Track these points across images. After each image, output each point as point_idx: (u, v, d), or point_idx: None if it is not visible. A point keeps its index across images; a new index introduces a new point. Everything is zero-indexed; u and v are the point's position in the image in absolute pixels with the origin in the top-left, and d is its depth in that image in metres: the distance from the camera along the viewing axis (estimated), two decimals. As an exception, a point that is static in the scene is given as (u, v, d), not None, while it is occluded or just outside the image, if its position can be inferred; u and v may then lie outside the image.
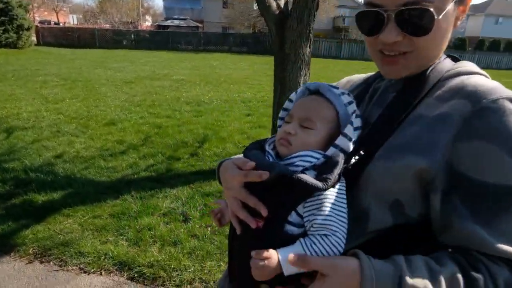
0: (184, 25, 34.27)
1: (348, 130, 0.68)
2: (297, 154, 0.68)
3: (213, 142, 4.95)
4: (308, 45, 3.84)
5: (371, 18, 0.64)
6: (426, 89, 0.65)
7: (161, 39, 29.03)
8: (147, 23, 50.35)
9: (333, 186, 0.62)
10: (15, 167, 3.89)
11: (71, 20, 40.02)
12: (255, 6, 31.69)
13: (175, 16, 35.81)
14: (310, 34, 3.73)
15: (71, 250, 2.51)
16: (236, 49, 29.01)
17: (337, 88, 0.75)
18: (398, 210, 0.63)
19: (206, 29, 35.42)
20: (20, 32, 20.20)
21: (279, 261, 0.61)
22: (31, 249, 2.53)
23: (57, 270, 2.35)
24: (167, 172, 3.91)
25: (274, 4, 3.71)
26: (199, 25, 35.50)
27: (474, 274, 0.54)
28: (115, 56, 20.09)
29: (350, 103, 0.72)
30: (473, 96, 0.60)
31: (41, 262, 2.43)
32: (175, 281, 2.26)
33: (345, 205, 0.64)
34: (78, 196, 3.26)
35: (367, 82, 0.81)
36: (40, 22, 35.92)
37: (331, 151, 0.67)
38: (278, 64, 3.84)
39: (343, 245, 0.62)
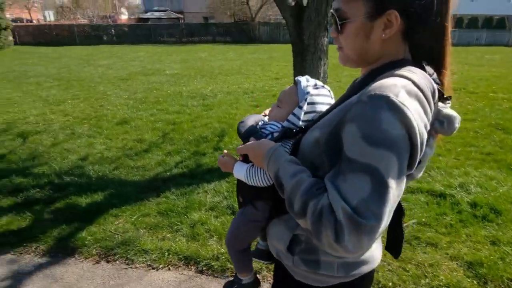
0: (165, 17, 33.57)
1: (297, 111, 1.01)
2: (269, 122, 1.07)
3: (232, 135, 5.05)
4: (326, 35, 3.95)
5: None
6: (367, 85, 0.80)
7: (143, 32, 28.42)
8: (123, 16, 48.92)
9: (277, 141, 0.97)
10: (46, 172, 3.90)
11: (47, 17, 38.53)
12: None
13: (155, 8, 34.96)
14: (327, 24, 3.84)
15: (134, 248, 2.60)
16: (220, 39, 28.67)
17: (308, 80, 1.05)
18: (314, 170, 0.85)
19: (187, 19, 34.83)
20: (-2, 32, 19.41)
21: (233, 165, 1.08)
22: (94, 250, 2.60)
23: (126, 268, 2.45)
24: (197, 168, 4.00)
25: (291, -4, 3.78)
26: (180, 16, 34.85)
27: (315, 191, 0.77)
28: (100, 52, 19.63)
29: (307, 93, 1.02)
30: (364, 92, 0.76)
31: (108, 262, 2.51)
32: (242, 270, 2.39)
33: None
34: (120, 197, 3.33)
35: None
36: (13, 20, 34.40)
37: (285, 123, 1.02)
38: (297, 55, 3.93)
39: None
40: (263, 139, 0.97)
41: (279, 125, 1.02)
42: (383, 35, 0.82)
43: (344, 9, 0.84)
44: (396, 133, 0.69)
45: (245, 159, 1.04)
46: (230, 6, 31.31)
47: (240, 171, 1.04)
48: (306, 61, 3.86)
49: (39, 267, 2.45)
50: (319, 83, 1.06)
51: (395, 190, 0.70)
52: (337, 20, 0.85)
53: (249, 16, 30.64)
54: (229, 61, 15.02)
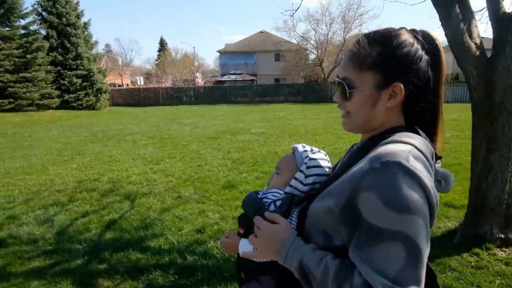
0: (240, 79, 35.52)
1: (298, 175, 1.01)
2: (270, 190, 1.06)
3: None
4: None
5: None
6: (368, 151, 0.85)
7: (219, 93, 30.10)
8: (198, 80, 53.20)
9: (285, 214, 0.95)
10: (163, 246, 3.35)
11: (137, 81, 43.83)
12: (310, 57, 32.35)
13: (232, 72, 37.37)
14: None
15: None
16: (291, 99, 29.12)
17: (304, 147, 1.09)
18: (327, 238, 0.85)
19: (259, 81, 36.42)
20: (99, 95, 21.82)
21: (237, 244, 1.01)
22: None
23: None
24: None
25: (473, 45, 3.04)
26: (254, 78, 36.62)
27: (344, 272, 0.76)
28: (182, 112, 20.77)
29: (306, 157, 1.04)
30: (373, 158, 0.77)
31: None
32: None
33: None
34: (262, 293, 2.55)
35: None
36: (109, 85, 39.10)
37: (288, 189, 1.01)
38: (484, 116, 3.06)
39: None
40: (275, 226, 0.89)
41: (281, 192, 1.02)
42: (388, 104, 0.86)
43: (353, 78, 0.87)
44: (416, 197, 0.71)
45: (246, 233, 0.99)
46: (303, 67, 32.15)
47: (247, 247, 0.96)
48: (498, 123, 2.96)
49: None
50: (315, 148, 1.10)
51: (426, 252, 0.72)
52: (346, 87, 0.88)
53: (321, 77, 30.98)
54: (310, 120, 14.60)
